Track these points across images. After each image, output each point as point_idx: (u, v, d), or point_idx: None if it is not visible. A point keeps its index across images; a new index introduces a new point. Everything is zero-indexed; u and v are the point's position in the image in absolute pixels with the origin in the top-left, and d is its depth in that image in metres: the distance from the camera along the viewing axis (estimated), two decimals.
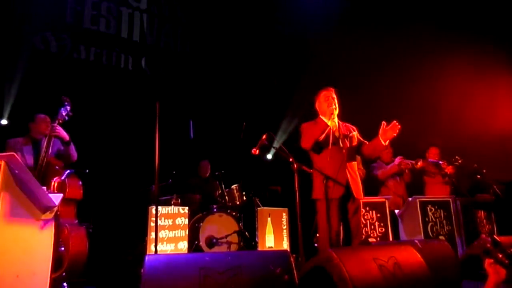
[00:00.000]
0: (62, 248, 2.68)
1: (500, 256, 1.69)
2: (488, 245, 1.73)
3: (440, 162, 5.13)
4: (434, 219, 4.33)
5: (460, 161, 4.90)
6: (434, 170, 5.09)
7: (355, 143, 3.36)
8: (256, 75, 7.10)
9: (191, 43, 6.79)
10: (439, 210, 4.38)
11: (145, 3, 6.36)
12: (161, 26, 6.50)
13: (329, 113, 3.28)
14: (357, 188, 3.23)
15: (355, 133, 3.43)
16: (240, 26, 7.17)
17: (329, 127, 3.20)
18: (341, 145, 3.25)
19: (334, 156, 3.15)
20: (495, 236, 1.79)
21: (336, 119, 3.31)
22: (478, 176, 4.94)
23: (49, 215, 2.15)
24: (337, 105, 3.34)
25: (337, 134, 3.27)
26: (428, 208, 4.35)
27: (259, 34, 7.23)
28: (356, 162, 3.38)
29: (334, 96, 3.39)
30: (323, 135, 3.17)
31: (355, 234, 3.14)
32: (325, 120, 3.34)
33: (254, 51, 7.18)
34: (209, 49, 6.91)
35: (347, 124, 3.49)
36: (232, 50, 7.08)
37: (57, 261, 2.57)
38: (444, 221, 4.36)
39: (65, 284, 2.68)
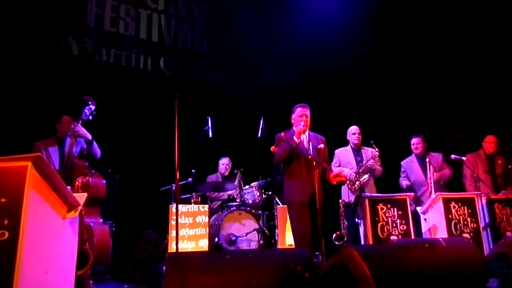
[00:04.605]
0: (88, 246, 2.75)
1: None
2: None
3: (464, 158, 4.97)
4: (457, 217, 4.23)
5: None
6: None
7: (321, 154, 3.72)
8: (272, 71, 7.09)
9: (208, 42, 6.83)
10: (462, 207, 4.27)
11: (163, 4, 6.42)
12: (179, 26, 6.56)
13: (298, 131, 3.59)
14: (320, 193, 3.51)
15: (322, 146, 3.74)
16: (256, 23, 7.16)
17: (297, 142, 3.55)
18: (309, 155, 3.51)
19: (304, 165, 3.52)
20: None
21: (306, 134, 3.68)
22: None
23: (73, 214, 2.21)
24: (308, 122, 3.68)
25: (306, 146, 3.61)
26: (452, 205, 4.25)
27: (275, 30, 7.21)
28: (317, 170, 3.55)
29: (308, 113, 3.70)
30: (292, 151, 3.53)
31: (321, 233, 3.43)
32: (296, 134, 3.62)
33: (270, 48, 7.16)
34: (226, 47, 6.94)
35: (317, 135, 3.80)
36: (249, 48, 7.08)
37: (83, 258, 2.63)
38: (468, 219, 4.25)
39: (91, 281, 2.75)
